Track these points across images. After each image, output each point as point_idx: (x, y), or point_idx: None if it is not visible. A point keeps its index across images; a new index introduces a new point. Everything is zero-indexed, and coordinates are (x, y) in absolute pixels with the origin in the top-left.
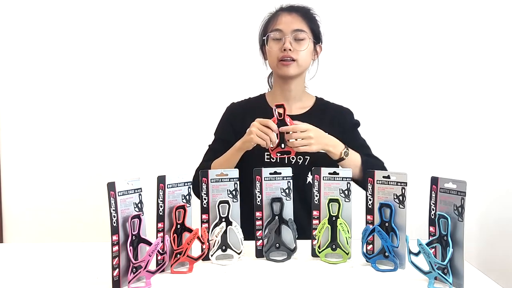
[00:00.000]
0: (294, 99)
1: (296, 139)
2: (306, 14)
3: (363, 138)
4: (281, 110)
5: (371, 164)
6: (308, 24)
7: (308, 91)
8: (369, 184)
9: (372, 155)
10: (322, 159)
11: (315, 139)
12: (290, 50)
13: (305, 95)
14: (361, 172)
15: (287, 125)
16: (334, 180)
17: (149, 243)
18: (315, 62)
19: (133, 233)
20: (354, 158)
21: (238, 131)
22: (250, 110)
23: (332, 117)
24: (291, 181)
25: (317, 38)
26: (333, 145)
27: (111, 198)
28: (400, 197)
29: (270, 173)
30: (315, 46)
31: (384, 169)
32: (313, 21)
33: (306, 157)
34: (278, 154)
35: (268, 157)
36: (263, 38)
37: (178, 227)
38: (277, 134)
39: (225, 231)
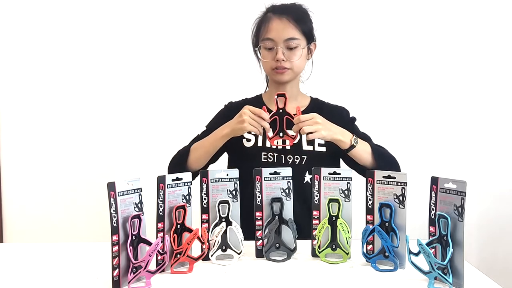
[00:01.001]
0: (289, 100)
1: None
2: (297, 16)
3: (362, 131)
4: (282, 99)
5: (380, 151)
6: (300, 28)
7: (305, 91)
8: (369, 184)
9: (377, 144)
10: (319, 158)
11: (323, 125)
12: (283, 60)
13: (300, 95)
14: (374, 159)
15: (289, 114)
16: (334, 180)
17: (149, 243)
18: (309, 61)
19: (133, 233)
20: (364, 145)
21: None
22: None
23: (329, 116)
24: (291, 181)
25: (310, 38)
26: (342, 133)
27: (111, 198)
28: (400, 197)
29: (270, 173)
30: (309, 46)
31: (391, 156)
32: (305, 21)
33: (303, 156)
34: (277, 142)
35: (265, 156)
36: (255, 48)
37: (178, 227)
38: (275, 123)
39: (225, 231)
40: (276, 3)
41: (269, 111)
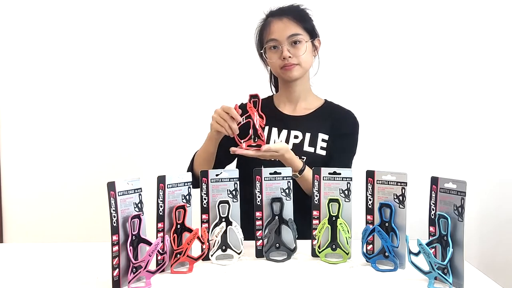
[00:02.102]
0: (299, 99)
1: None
2: (297, 15)
3: (346, 148)
4: (255, 102)
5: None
6: (301, 25)
7: (315, 92)
8: (369, 184)
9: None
10: (319, 161)
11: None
12: (290, 57)
13: (311, 95)
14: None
15: (253, 120)
16: (334, 180)
17: (149, 243)
18: (316, 58)
19: (133, 233)
20: (308, 177)
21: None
22: None
23: (333, 122)
24: (291, 181)
25: (313, 35)
26: (289, 164)
27: (111, 198)
28: (400, 197)
29: (270, 173)
30: (313, 43)
31: None
32: (306, 19)
33: (303, 157)
34: (247, 147)
35: None
36: (261, 51)
37: (178, 227)
38: (249, 125)
39: (225, 231)
40: (274, 8)
41: (280, 113)
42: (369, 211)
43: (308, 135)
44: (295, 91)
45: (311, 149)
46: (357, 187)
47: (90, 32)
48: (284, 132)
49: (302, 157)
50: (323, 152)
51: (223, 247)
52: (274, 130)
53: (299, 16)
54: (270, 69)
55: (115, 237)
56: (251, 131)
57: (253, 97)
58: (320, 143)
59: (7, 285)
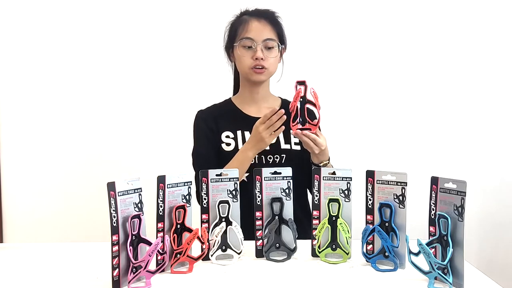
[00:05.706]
0: (262, 101)
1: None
2: (273, 20)
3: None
4: (303, 87)
5: None
6: (275, 30)
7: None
8: (369, 184)
9: None
10: (296, 156)
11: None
12: (262, 59)
13: (271, 95)
14: None
15: (310, 101)
16: (334, 180)
17: (149, 243)
18: (280, 64)
19: (133, 233)
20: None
21: (215, 130)
22: (219, 114)
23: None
24: (291, 181)
25: (282, 42)
26: (322, 154)
27: (111, 198)
28: (400, 197)
29: (270, 173)
30: (280, 50)
31: None
32: (279, 25)
33: (282, 155)
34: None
35: None
36: (234, 44)
37: (178, 227)
38: (297, 111)
39: (225, 231)
40: (250, 8)
41: (246, 115)
42: (369, 211)
43: (281, 134)
44: (258, 93)
45: (287, 146)
46: (357, 187)
47: (91, 33)
48: None
49: (282, 154)
50: (298, 147)
51: (223, 247)
52: (247, 134)
53: (275, 21)
54: (235, 67)
55: (115, 237)
56: (298, 115)
57: (300, 83)
58: (293, 139)
59: (7, 285)
